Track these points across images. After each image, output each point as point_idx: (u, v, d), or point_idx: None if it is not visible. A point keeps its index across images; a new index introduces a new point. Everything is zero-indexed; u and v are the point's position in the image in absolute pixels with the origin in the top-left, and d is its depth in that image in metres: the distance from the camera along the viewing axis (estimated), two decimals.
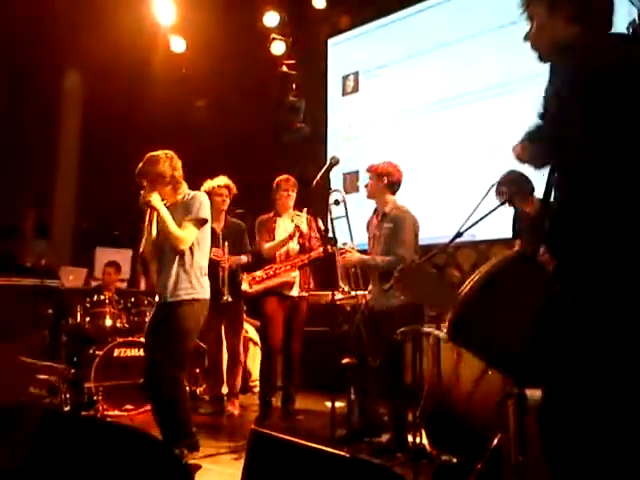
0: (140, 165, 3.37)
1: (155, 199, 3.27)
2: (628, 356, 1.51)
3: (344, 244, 4.00)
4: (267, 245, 4.71)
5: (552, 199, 1.71)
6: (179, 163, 3.41)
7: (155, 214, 3.31)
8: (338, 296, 3.98)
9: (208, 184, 4.86)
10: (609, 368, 1.52)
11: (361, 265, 3.96)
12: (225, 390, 5.00)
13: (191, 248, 3.32)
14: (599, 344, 1.52)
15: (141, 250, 3.46)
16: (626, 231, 1.50)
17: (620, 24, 1.81)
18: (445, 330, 1.99)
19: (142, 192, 3.29)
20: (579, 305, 1.54)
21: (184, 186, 3.44)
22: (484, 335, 1.77)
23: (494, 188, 3.96)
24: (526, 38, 1.81)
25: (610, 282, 1.51)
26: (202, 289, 3.35)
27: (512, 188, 4.01)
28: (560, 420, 1.57)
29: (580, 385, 1.55)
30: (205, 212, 3.36)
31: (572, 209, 1.57)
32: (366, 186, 4.07)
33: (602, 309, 1.52)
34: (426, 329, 3.54)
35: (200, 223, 3.34)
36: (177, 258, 3.30)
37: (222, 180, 4.90)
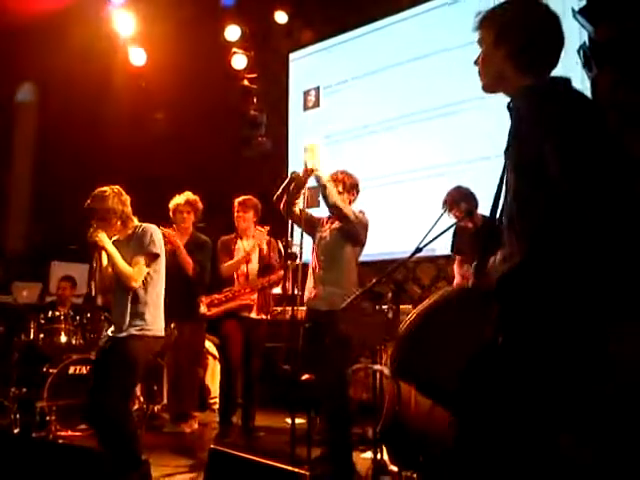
0: (88, 202, 3.31)
1: (102, 238, 3.23)
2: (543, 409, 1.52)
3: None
4: (224, 265, 4.71)
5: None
6: (128, 199, 3.37)
7: (104, 253, 3.26)
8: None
9: (173, 201, 4.93)
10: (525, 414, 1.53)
11: (320, 184, 3.59)
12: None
13: (144, 283, 3.25)
14: (519, 390, 1.53)
15: (94, 291, 3.43)
16: (572, 292, 1.50)
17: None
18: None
19: (90, 230, 3.24)
20: (508, 350, 1.55)
21: (134, 220, 3.38)
22: (423, 371, 1.76)
23: (446, 203, 4.06)
24: (476, 62, 1.82)
25: (544, 336, 1.51)
26: (155, 325, 3.27)
27: (471, 202, 4.09)
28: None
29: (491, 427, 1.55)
30: (156, 246, 3.30)
31: (526, 260, 1.56)
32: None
33: (529, 358, 1.52)
34: (376, 367, 3.56)
35: (151, 258, 3.28)
36: (131, 293, 3.23)
37: (184, 197, 4.93)
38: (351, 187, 3.84)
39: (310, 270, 3.84)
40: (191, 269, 4.77)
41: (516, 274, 1.56)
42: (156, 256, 3.30)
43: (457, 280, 4.31)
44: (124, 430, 3.11)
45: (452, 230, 4.01)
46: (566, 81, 1.66)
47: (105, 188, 3.34)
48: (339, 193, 3.71)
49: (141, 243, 3.26)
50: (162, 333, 3.33)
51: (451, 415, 1.85)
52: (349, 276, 3.69)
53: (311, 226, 3.88)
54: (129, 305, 3.22)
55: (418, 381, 1.83)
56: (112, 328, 3.30)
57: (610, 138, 1.52)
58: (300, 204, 3.74)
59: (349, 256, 3.72)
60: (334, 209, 3.60)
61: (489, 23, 1.75)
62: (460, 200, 4.05)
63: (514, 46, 1.68)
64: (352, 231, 3.67)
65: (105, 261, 3.29)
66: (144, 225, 3.37)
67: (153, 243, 3.27)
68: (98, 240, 3.21)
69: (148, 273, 3.26)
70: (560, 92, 1.62)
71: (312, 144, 3.60)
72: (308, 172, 3.57)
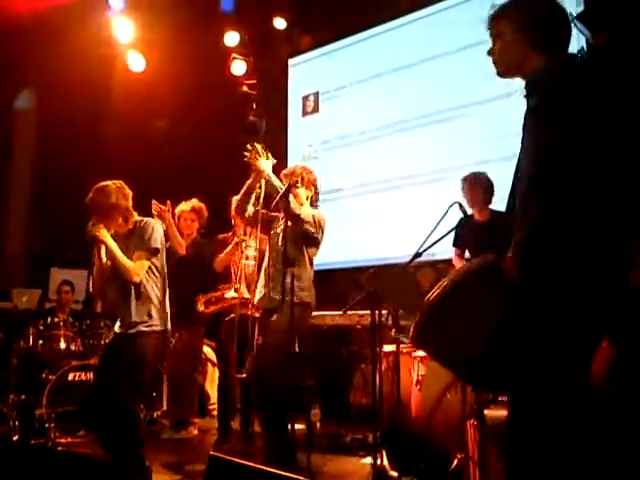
0: (89, 196, 3.28)
1: (102, 233, 3.19)
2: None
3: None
4: (217, 258, 4.73)
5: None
6: (130, 193, 3.35)
7: (103, 247, 3.23)
8: (230, 293, 4.18)
9: (179, 207, 4.98)
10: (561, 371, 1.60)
11: (268, 184, 3.62)
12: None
13: (146, 278, 3.24)
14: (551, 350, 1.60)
15: (91, 288, 3.42)
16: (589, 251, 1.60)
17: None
18: (409, 335, 2.03)
19: (89, 224, 3.21)
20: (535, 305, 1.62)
21: (135, 215, 3.37)
22: (447, 340, 1.80)
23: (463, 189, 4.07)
24: (489, 53, 1.92)
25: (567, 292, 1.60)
26: (160, 320, 3.27)
27: (486, 193, 4.11)
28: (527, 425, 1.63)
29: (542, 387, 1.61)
30: (157, 240, 3.28)
31: (544, 226, 1.66)
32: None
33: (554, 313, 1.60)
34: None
35: (152, 253, 3.26)
36: (133, 289, 3.21)
37: (190, 204, 4.99)
38: (309, 183, 3.80)
39: (263, 268, 3.82)
40: (183, 248, 4.77)
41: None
42: (156, 251, 3.29)
43: None
44: (130, 432, 3.09)
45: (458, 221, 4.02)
46: (578, 58, 1.87)
47: (107, 182, 3.32)
48: (296, 187, 3.69)
49: (142, 238, 3.25)
50: (169, 326, 3.32)
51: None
52: (298, 275, 3.59)
53: (267, 224, 3.86)
54: (134, 301, 3.20)
55: (439, 348, 1.89)
56: (118, 324, 3.27)
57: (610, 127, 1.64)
58: (251, 206, 3.78)
59: (305, 257, 3.69)
60: (292, 217, 3.58)
61: (508, 13, 1.87)
62: (478, 188, 4.07)
63: (537, 34, 1.82)
64: (306, 233, 3.63)
65: (104, 256, 3.26)
66: (145, 219, 3.37)
67: (154, 238, 3.27)
68: (98, 234, 3.18)
69: (149, 268, 3.25)
70: (573, 75, 1.76)
71: (256, 144, 3.64)
72: (259, 175, 3.64)
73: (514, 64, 1.88)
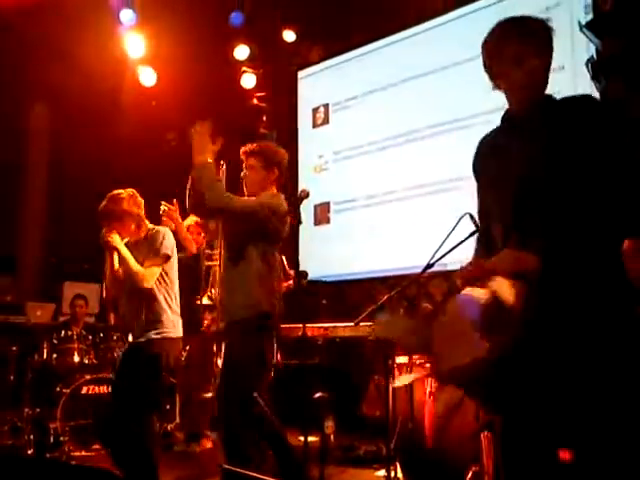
0: (102, 204, 3.34)
1: (115, 239, 3.24)
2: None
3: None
4: None
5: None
6: (142, 202, 3.41)
7: (115, 254, 3.26)
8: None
9: (187, 221, 4.95)
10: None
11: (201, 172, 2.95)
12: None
13: (157, 285, 3.25)
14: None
15: (105, 295, 3.44)
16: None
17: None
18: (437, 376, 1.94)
19: (102, 232, 3.25)
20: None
21: (147, 223, 3.42)
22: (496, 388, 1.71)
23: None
24: (499, 86, 1.89)
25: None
26: (173, 327, 3.28)
27: None
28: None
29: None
30: (168, 247, 3.31)
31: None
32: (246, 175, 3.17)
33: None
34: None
35: (163, 259, 3.28)
36: (144, 296, 3.23)
37: (193, 218, 4.97)
38: (273, 163, 3.20)
39: None
40: (193, 247, 4.76)
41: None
42: (167, 257, 3.30)
43: None
44: (142, 446, 3.08)
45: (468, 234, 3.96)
46: None
47: (120, 190, 3.38)
48: (252, 167, 3.13)
49: (153, 245, 3.28)
50: (181, 334, 3.32)
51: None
52: (250, 279, 2.92)
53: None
54: (144, 309, 3.22)
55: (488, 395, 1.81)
56: (131, 333, 3.30)
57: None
58: None
59: (252, 255, 2.95)
60: (221, 213, 2.98)
61: (545, 34, 1.81)
62: None
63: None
64: (249, 225, 2.93)
65: (116, 263, 3.29)
66: (157, 227, 3.42)
67: (164, 245, 3.29)
68: (111, 240, 3.22)
69: (160, 275, 3.27)
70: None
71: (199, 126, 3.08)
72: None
73: (542, 89, 1.80)
